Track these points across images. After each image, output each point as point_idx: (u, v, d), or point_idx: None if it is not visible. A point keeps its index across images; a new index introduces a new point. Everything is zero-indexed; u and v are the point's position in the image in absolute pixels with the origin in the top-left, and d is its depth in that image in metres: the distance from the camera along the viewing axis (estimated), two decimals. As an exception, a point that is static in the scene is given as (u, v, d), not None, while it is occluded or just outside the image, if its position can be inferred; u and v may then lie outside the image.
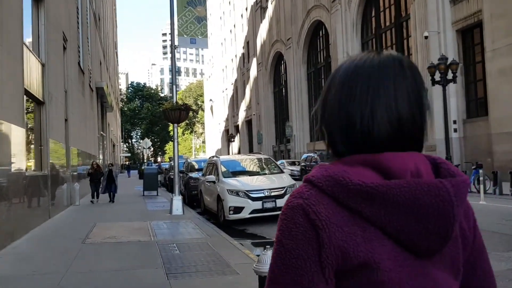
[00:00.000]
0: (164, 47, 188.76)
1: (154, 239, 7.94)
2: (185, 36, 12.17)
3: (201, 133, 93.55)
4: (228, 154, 50.43)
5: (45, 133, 11.06)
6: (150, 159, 77.00)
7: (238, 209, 9.60)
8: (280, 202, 9.51)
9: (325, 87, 0.90)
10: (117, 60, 72.17)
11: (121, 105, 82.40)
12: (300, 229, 0.78)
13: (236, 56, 63.14)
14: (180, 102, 12.19)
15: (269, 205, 9.62)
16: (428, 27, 21.48)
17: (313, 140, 38.85)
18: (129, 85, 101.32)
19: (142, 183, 19.77)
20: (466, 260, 0.88)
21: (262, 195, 9.73)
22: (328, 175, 0.81)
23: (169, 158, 32.54)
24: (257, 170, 11.52)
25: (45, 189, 10.95)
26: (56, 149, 12.41)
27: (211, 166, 11.92)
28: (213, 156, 13.22)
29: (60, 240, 8.17)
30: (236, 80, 63.12)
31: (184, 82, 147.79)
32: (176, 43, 12.12)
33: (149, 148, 43.51)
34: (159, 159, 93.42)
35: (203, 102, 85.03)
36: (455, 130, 20.14)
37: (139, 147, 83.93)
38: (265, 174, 11.21)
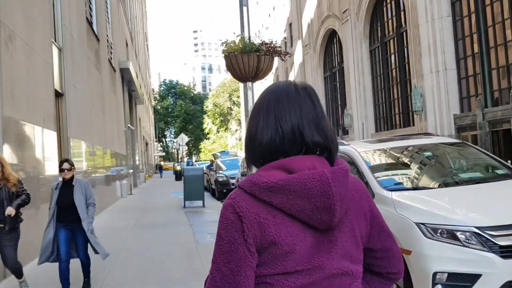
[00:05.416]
0: (196, 44, 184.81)
1: None
2: None
3: (236, 130, 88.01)
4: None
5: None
6: (188, 158, 72.16)
7: (462, 279, 3.44)
8: None
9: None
10: (148, 54, 67.48)
11: (154, 104, 78.20)
12: (230, 221, 1.04)
13: (276, 41, 57.07)
14: (254, 44, 6.16)
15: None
16: None
17: (380, 130, 32.25)
18: (162, 83, 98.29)
19: (180, 188, 14.22)
20: (370, 229, 1.17)
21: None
22: (248, 180, 1.06)
23: (213, 155, 26.93)
24: (454, 172, 5.09)
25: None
26: (31, 139, 6.78)
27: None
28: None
29: None
30: (276, 69, 56.81)
31: (217, 79, 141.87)
32: None
33: (186, 144, 38.30)
34: (193, 158, 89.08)
35: (238, 97, 79.17)
36: None
37: (174, 147, 79.59)
38: (483, 180, 4.53)
